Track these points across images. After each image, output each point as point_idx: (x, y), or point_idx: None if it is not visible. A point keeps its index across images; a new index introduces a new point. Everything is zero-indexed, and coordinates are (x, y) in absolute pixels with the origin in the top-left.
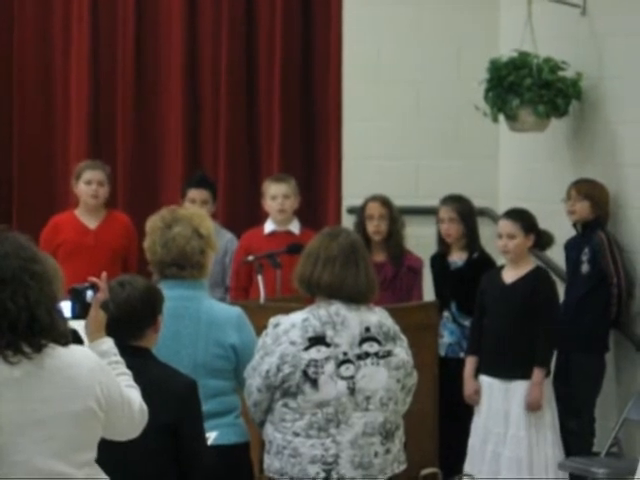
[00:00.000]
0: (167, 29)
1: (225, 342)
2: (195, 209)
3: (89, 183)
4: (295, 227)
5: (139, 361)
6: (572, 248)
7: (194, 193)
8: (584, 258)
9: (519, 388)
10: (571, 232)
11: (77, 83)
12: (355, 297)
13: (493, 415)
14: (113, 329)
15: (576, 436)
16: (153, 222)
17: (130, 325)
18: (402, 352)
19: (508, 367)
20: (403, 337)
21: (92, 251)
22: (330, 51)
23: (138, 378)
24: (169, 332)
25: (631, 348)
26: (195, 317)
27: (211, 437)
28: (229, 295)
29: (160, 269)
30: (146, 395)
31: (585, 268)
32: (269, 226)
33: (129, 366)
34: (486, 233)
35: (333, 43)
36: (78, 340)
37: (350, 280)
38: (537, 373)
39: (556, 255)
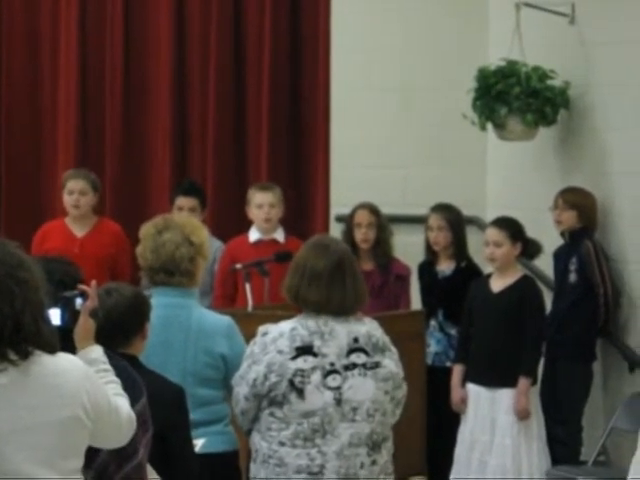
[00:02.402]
0: (155, 38)
1: (215, 351)
2: (190, 218)
3: (71, 193)
4: (280, 235)
5: None
6: (560, 257)
7: (182, 201)
8: (572, 267)
9: (505, 396)
10: (559, 241)
11: (65, 90)
12: (342, 311)
13: (479, 423)
14: (100, 337)
15: (563, 445)
16: (146, 229)
17: (117, 333)
18: (391, 364)
19: (494, 375)
20: (393, 349)
21: (77, 260)
22: (318, 60)
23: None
24: (159, 340)
25: (619, 357)
26: (185, 325)
27: (198, 444)
28: (214, 303)
29: (150, 275)
30: None
31: (572, 277)
32: (254, 234)
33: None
34: (474, 241)
35: (321, 51)
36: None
37: (336, 297)
38: (522, 382)
39: (544, 264)
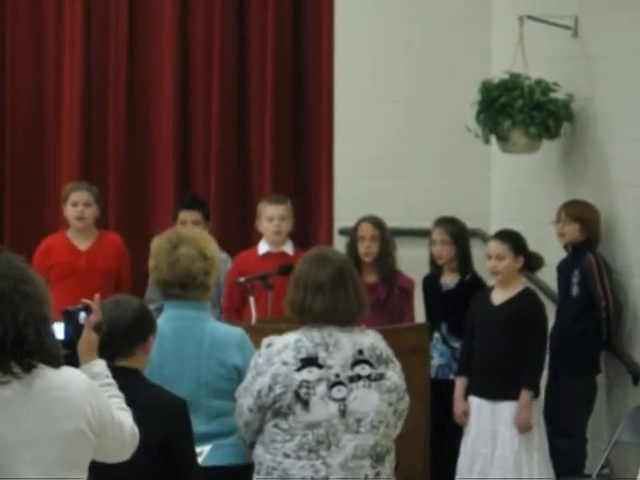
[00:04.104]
0: (159, 49)
1: (228, 362)
2: (202, 231)
3: (75, 205)
4: (289, 248)
5: (129, 382)
6: (563, 270)
7: (185, 214)
8: (574, 280)
9: (507, 409)
10: (563, 254)
11: (69, 104)
12: (348, 320)
13: (481, 435)
14: (104, 346)
15: (567, 457)
16: (159, 242)
17: (121, 342)
18: (394, 376)
19: (496, 388)
20: (396, 361)
21: (83, 273)
22: (322, 71)
23: (128, 399)
24: (172, 352)
25: (623, 370)
26: (198, 337)
27: (205, 451)
28: (222, 316)
29: (164, 289)
30: (136, 416)
31: (575, 290)
32: (263, 247)
33: (119, 387)
34: (477, 254)
35: (325, 63)
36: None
37: (341, 306)
38: (524, 395)
39: (548, 276)
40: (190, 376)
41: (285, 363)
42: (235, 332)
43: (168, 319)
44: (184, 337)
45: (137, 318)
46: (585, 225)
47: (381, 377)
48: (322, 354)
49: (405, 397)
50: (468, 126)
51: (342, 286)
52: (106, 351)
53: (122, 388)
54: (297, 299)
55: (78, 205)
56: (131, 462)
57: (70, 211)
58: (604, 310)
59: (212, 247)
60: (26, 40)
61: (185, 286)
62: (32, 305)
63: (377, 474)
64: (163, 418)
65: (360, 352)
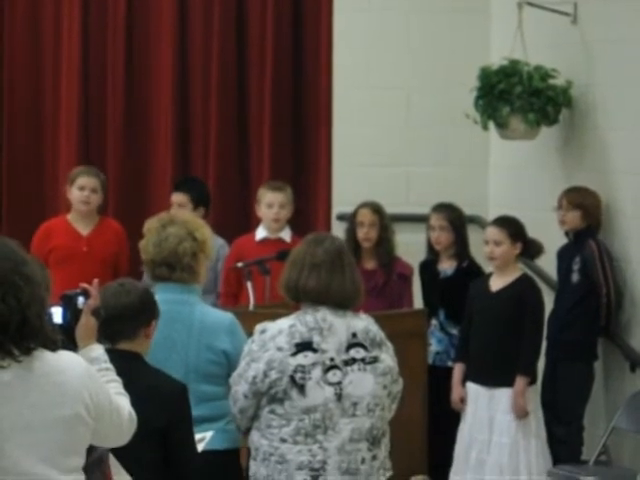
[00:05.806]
0: (158, 37)
1: (217, 347)
2: (194, 216)
3: (82, 189)
4: (287, 235)
5: (130, 365)
6: (564, 256)
7: (173, 196)
8: (575, 267)
9: (504, 395)
10: (562, 240)
11: (67, 88)
12: (341, 302)
13: (478, 422)
14: (108, 327)
15: (565, 444)
16: (150, 223)
17: (126, 325)
18: (388, 358)
19: (493, 374)
20: (389, 344)
21: (84, 257)
22: (320, 58)
23: (129, 383)
24: (161, 336)
25: (620, 356)
26: (188, 322)
27: (207, 437)
28: (219, 301)
29: (151, 268)
30: (137, 400)
31: (575, 277)
32: (261, 233)
33: (120, 370)
34: (476, 241)
35: (324, 50)
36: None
37: (336, 285)
38: (519, 381)
39: (547, 263)
40: (179, 360)
41: (280, 348)
42: (225, 317)
43: (159, 303)
44: (174, 321)
45: (143, 302)
46: (586, 212)
47: (375, 360)
48: (316, 338)
49: (399, 380)
50: (467, 112)
51: (339, 267)
52: (110, 333)
53: (123, 371)
54: (292, 278)
55: (85, 190)
56: (130, 446)
57: (76, 194)
58: (604, 297)
59: (203, 230)
60: (24, 26)
61: (171, 266)
62: (34, 287)
63: (373, 457)
64: (163, 402)
65: (354, 335)
